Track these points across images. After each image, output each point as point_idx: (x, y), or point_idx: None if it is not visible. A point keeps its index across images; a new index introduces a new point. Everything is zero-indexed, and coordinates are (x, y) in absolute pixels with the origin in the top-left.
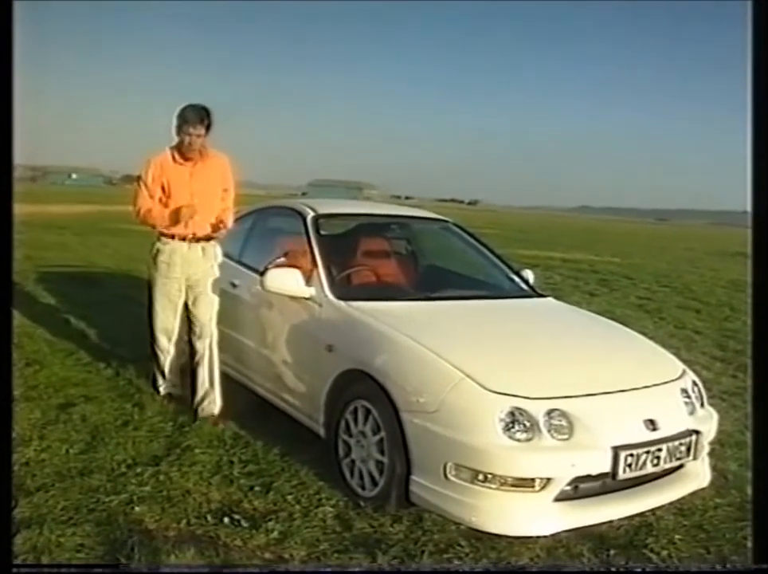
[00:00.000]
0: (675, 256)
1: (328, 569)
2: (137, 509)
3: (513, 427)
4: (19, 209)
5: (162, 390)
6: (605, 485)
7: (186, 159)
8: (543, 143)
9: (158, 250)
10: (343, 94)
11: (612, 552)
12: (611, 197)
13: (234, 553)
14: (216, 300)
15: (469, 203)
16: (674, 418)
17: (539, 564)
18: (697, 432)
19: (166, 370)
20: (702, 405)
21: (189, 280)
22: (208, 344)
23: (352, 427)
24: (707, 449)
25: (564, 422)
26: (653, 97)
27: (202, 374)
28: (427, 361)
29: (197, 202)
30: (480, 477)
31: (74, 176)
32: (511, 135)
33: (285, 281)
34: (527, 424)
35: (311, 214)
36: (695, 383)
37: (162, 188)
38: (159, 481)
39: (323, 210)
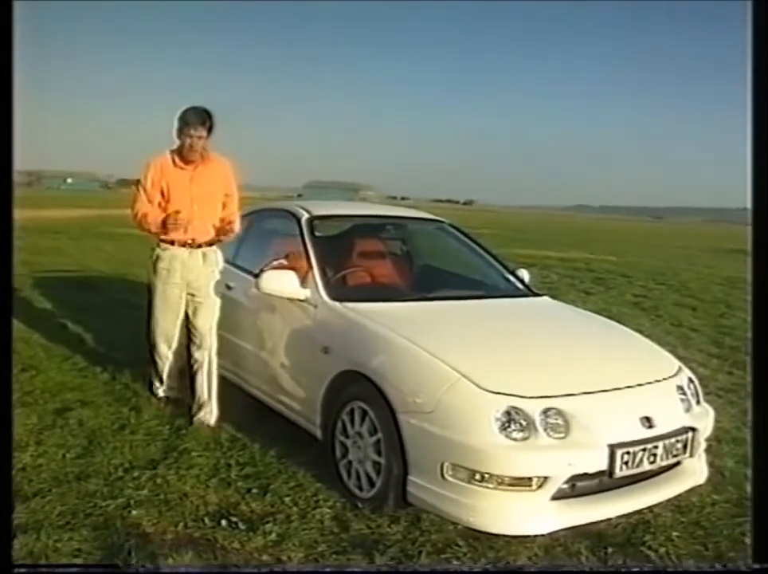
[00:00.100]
0: (671, 253)
1: (327, 569)
2: (134, 512)
3: (509, 426)
4: (15, 214)
5: (160, 393)
6: (602, 483)
7: (187, 163)
8: (540, 143)
9: (157, 256)
10: (339, 95)
11: (610, 550)
12: (607, 196)
13: (232, 556)
14: (217, 309)
15: (465, 203)
16: (670, 415)
17: (537, 564)
18: (693, 429)
19: (165, 376)
20: (698, 402)
21: (190, 286)
22: (207, 354)
23: (349, 429)
24: (703, 445)
25: (560, 421)
26: (649, 96)
27: (200, 383)
28: (423, 361)
29: (196, 207)
30: (477, 476)
31: (69, 181)
32: (507, 135)
33: (280, 282)
34: (524, 423)
35: (305, 216)
36: (690, 380)
37: (162, 192)
38: (156, 485)
39: (317, 212)
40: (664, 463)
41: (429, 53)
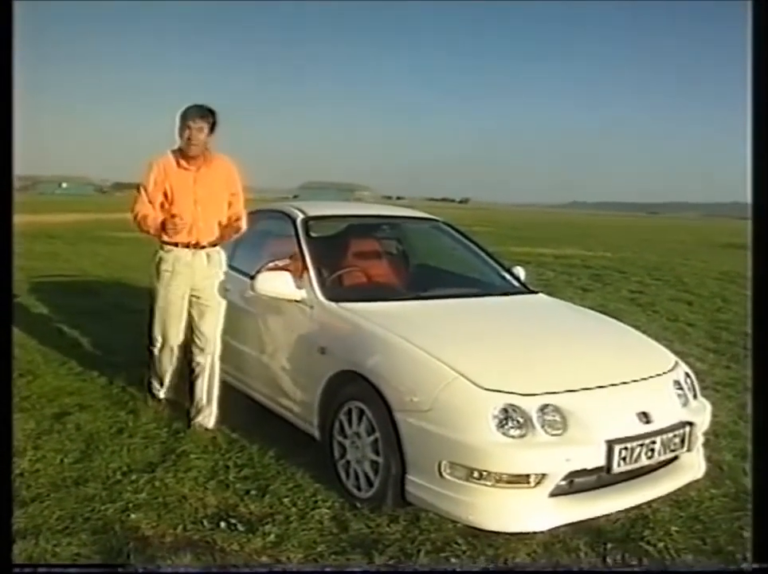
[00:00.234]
0: (666, 249)
1: (327, 569)
2: (133, 516)
3: (507, 424)
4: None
5: (161, 395)
6: (600, 479)
7: (190, 161)
8: (535, 142)
9: (160, 258)
10: (334, 96)
11: (609, 545)
12: (602, 193)
13: (231, 558)
14: (222, 312)
15: (460, 202)
16: (667, 410)
17: (537, 561)
18: (691, 423)
19: (166, 379)
20: (695, 396)
21: (193, 288)
22: (210, 359)
23: (346, 428)
24: (701, 440)
25: (557, 418)
26: (649, 96)
27: (201, 387)
28: (419, 360)
29: (200, 209)
30: (475, 474)
31: (64, 185)
32: (503, 134)
33: (276, 283)
34: (521, 420)
35: (300, 217)
36: (687, 375)
37: (165, 194)
38: (155, 488)
39: (312, 212)
40: (662, 458)
41: (428, 53)
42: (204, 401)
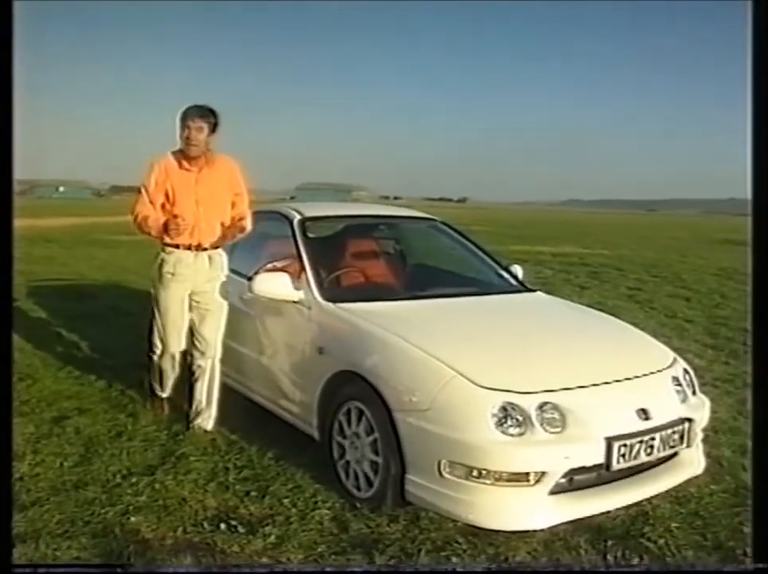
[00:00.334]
0: (664, 245)
1: (327, 570)
2: (133, 519)
3: (506, 422)
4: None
5: (163, 396)
6: (599, 476)
7: (192, 162)
8: (535, 141)
9: (162, 260)
10: (331, 97)
11: (609, 542)
12: (599, 190)
13: (232, 559)
14: (224, 315)
15: (458, 201)
16: (666, 406)
17: (537, 559)
18: (690, 420)
19: (167, 382)
20: (694, 392)
21: (194, 291)
22: (211, 362)
23: (346, 429)
24: (700, 436)
25: (556, 415)
26: (648, 96)
27: (201, 390)
28: (418, 360)
29: (201, 210)
30: (475, 473)
31: (61, 189)
32: (502, 133)
33: (274, 285)
34: (520, 418)
35: (297, 218)
36: (686, 371)
37: (166, 195)
38: (155, 491)
39: (309, 213)
40: (662, 455)
41: (427, 53)
42: (203, 403)
